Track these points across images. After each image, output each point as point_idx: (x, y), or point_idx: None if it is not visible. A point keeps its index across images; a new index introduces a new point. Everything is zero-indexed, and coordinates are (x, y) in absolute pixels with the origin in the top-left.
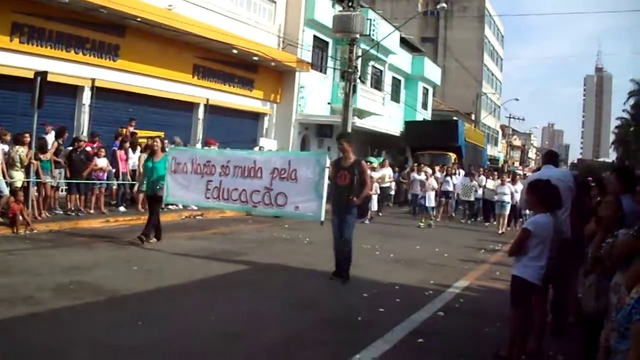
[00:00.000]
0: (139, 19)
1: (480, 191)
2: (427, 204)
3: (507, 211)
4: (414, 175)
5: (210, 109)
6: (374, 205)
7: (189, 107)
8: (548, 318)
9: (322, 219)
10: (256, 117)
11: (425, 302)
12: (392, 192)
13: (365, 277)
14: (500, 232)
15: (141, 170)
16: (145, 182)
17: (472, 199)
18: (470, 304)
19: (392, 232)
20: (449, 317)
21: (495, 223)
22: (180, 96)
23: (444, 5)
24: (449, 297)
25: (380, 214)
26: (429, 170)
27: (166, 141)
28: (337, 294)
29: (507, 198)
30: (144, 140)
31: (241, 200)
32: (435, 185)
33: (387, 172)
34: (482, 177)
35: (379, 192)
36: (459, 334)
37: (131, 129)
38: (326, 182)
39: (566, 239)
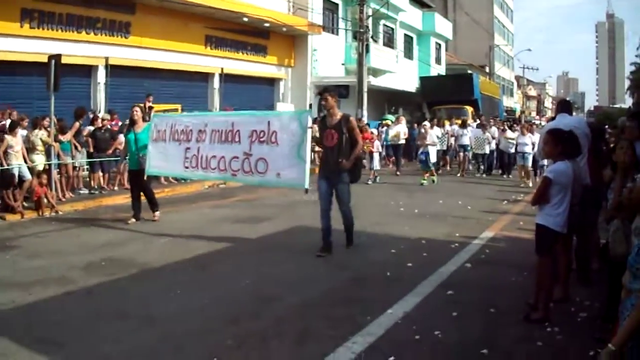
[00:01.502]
0: None
1: (493, 143)
2: (428, 159)
3: (530, 162)
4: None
5: (226, 77)
6: (376, 163)
7: (204, 77)
8: (573, 265)
9: (307, 186)
10: (271, 82)
11: (452, 254)
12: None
13: (391, 233)
14: (522, 185)
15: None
16: (128, 156)
17: (486, 151)
18: (496, 254)
19: (414, 188)
20: (476, 268)
21: (514, 175)
22: (194, 67)
23: None
24: (475, 248)
25: (399, 173)
26: (427, 124)
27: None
28: (365, 253)
29: (529, 149)
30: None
31: (219, 169)
32: (436, 140)
33: (402, 128)
34: (494, 129)
35: (380, 149)
36: (487, 284)
37: (149, 104)
38: (309, 143)
39: (585, 185)
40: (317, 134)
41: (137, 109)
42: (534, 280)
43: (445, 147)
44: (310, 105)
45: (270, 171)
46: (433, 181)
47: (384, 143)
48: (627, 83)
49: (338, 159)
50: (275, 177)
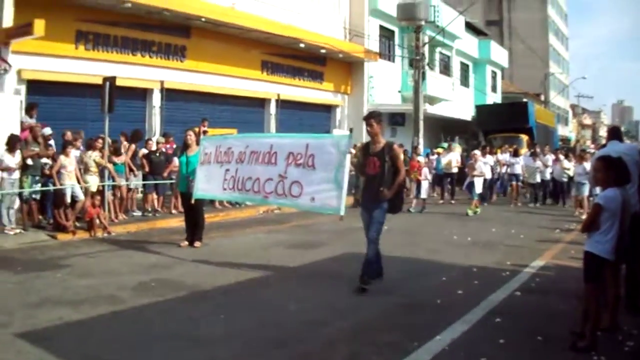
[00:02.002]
0: (203, 19)
1: (547, 172)
2: (473, 189)
3: (586, 191)
4: (481, 158)
5: (282, 103)
6: (424, 192)
7: (260, 103)
8: (622, 293)
9: (342, 212)
10: (328, 109)
11: (502, 282)
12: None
13: (443, 261)
14: (576, 214)
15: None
16: (180, 180)
17: (537, 180)
18: (546, 282)
19: (466, 217)
20: (525, 296)
21: (570, 204)
22: (250, 92)
23: None
24: (526, 277)
25: (453, 202)
26: (477, 153)
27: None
28: (416, 279)
29: (584, 179)
30: None
31: (254, 190)
32: (484, 170)
33: (454, 157)
34: (548, 157)
35: (428, 177)
36: (535, 312)
37: (204, 128)
38: (347, 169)
39: (635, 213)
40: (357, 160)
41: (191, 132)
42: (581, 308)
43: (496, 176)
44: (351, 130)
45: (305, 195)
46: (475, 212)
47: (436, 172)
48: None
49: (379, 187)
50: (310, 202)
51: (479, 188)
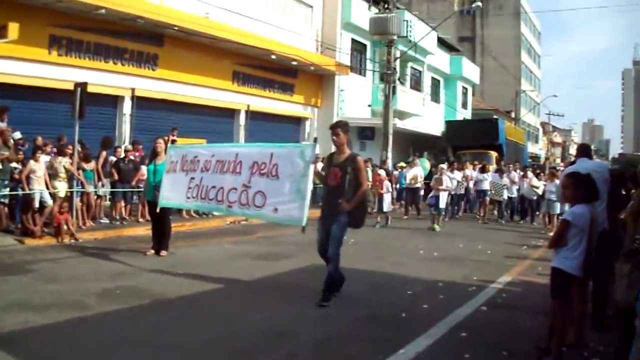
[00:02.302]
0: (176, 28)
1: (514, 188)
2: (437, 204)
3: (557, 210)
4: (448, 173)
5: (252, 114)
6: (385, 205)
7: (230, 113)
8: (588, 309)
9: (304, 223)
10: (297, 121)
11: (468, 297)
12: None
13: (409, 275)
14: (543, 232)
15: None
16: (147, 188)
17: (504, 197)
18: (512, 298)
19: (432, 232)
20: (491, 311)
21: (539, 222)
22: (220, 103)
23: (479, 4)
24: (492, 292)
25: (420, 217)
26: (444, 167)
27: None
28: (381, 293)
29: (555, 196)
30: None
31: (217, 200)
32: (450, 184)
33: (418, 171)
34: (514, 174)
35: (390, 190)
36: (501, 327)
37: (173, 137)
38: (310, 179)
39: (603, 230)
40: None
41: (161, 141)
42: (547, 324)
43: (463, 191)
44: (315, 139)
45: (268, 205)
46: (434, 229)
47: (399, 186)
48: None
49: (338, 199)
50: (272, 212)
51: (442, 203)
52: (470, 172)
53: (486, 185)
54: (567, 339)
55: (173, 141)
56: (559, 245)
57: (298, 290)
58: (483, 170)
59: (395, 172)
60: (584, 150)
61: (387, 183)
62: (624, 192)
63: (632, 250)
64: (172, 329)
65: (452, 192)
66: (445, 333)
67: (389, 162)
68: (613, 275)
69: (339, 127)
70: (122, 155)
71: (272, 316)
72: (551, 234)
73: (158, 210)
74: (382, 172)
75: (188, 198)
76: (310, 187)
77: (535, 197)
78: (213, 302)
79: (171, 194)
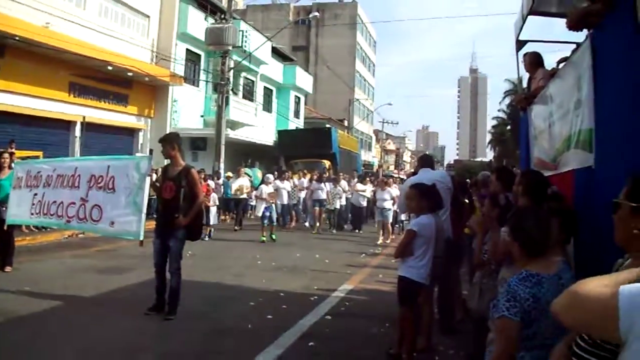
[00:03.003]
0: (17, 38)
1: (344, 197)
2: (272, 215)
3: (390, 218)
4: (277, 183)
5: (87, 126)
6: (212, 218)
7: (66, 125)
8: (436, 316)
9: (141, 237)
10: (132, 132)
11: (311, 307)
12: (252, 204)
13: (250, 286)
14: (379, 242)
15: None
16: None
17: (337, 206)
18: (356, 306)
19: (267, 243)
20: (336, 320)
21: (365, 230)
22: (56, 114)
23: (317, 14)
24: (335, 301)
25: (236, 228)
26: (270, 177)
27: None
28: (224, 305)
29: (388, 204)
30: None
31: (57, 215)
32: (265, 193)
33: (244, 182)
34: (344, 182)
35: (217, 202)
36: (347, 335)
37: (11, 150)
38: (147, 192)
39: (447, 238)
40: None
41: (6, 155)
42: (396, 330)
43: (295, 201)
44: (151, 151)
45: (104, 219)
46: (272, 239)
47: (225, 196)
48: (488, 137)
49: (174, 213)
50: (109, 226)
51: (259, 211)
52: (299, 181)
53: (323, 195)
54: (417, 345)
55: (11, 154)
56: (405, 254)
57: (143, 305)
58: (320, 179)
59: (219, 181)
60: (426, 161)
61: (213, 195)
62: (466, 200)
63: (482, 261)
64: (27, 347)
65: (285, 203)
66: (293, 343)
67: (222, 173)
68: (457, 281)
69: (166, 141)
70: None
71: (121, 331)
72: (388, 241)
73: (6, 227)
74: (211, 183)
75: (32, 214)
76: (146, 200)
77: (365, 204)
78: (65, 318)
79: (18, 211)
